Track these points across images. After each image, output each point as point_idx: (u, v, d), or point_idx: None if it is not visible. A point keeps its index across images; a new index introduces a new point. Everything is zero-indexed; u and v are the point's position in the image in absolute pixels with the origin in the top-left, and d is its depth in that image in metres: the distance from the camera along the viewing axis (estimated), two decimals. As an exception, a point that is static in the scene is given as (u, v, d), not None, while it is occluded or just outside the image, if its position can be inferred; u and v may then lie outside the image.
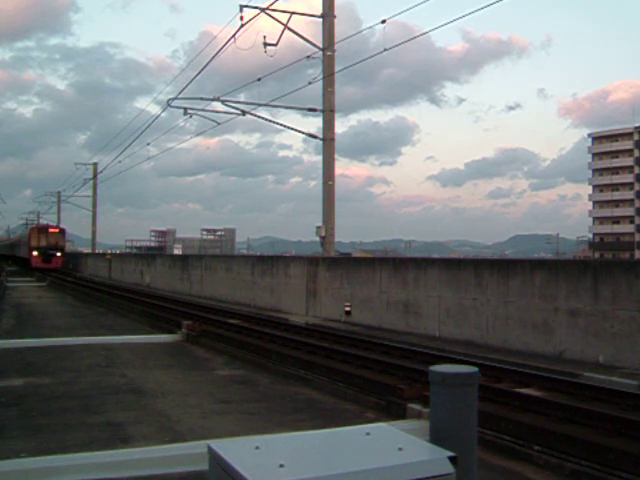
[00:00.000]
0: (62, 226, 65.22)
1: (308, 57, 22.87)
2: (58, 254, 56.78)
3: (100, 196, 71.17)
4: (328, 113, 23.15)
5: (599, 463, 6.04)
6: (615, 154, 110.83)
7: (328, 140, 23.30)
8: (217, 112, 26.05)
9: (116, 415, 8.01)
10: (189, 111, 25.33)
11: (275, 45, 22.70)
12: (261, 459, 2.70)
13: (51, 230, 59.15)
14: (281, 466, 2.56)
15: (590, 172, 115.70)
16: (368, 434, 3.04)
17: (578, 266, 13.09)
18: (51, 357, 12.46)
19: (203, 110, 25.98)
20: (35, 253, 55.50)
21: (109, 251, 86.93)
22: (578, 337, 12.26)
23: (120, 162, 45.93)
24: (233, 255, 59.13)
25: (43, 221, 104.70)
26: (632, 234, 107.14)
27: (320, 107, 23.36)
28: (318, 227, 23.22)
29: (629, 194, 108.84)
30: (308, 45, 23.22)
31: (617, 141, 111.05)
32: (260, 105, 24.50)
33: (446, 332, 15.29)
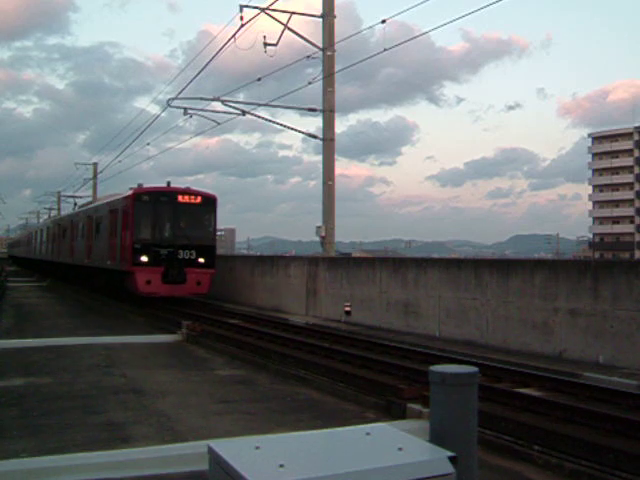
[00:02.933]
0: (209, 192, 24.12)
1: (308, 57, 22.86)
2: (201, 260, 22.34)
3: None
4: (328, 113, 23.14)
5: (599, 463, 6.04)
6: (615, 154, 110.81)
7: (328, 140, 23.29)
8: (217, 112, 25.99)
9: (116, 415, 8.01)
10: (189, 111, 25.31)
11: (275, 45, 22.69)
12: (261, 459, 2.70)
13: (184, 199, 22.62)
14: (281, 466, 2.56)
15: (590, 172, 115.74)
16: (368, 434, 3.05)
17: (578, 266, 13.09)
18: (51, 357, 12.46)
19: (203, 110, 25.95)
20: (144, 259, 21.51)
21: None
22: (578, 337, 12.25)
23: (120, 162, 45.57)
24: (233, 255, 54.30)
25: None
26: (632, 234, 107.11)
27: (320, 107, 23.35)
28: (318, 227, 23.21)
29: (629, 194, 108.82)
30: (308, 45, 23.21)
31: (617, 141, 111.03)
32: (260, 105, 24.49)
33: (446, 332, 15.29)
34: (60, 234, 38.07)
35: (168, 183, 22.97)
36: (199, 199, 22.64)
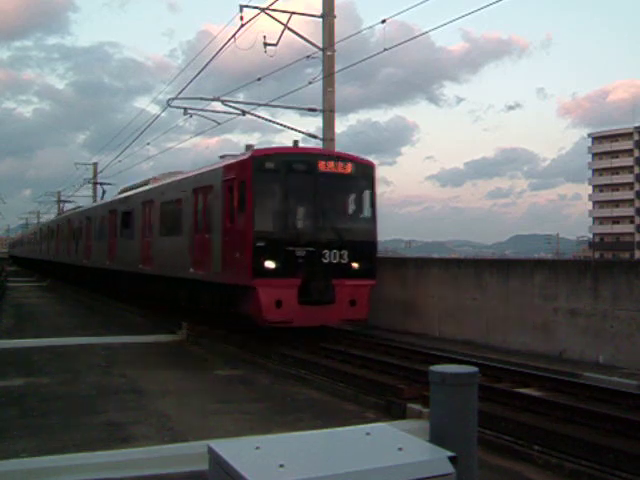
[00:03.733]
0: (363, 157, 15.29)
1: (308, 57, 22.84)
2: (355, 266, 13.80)
3: (100, 196, 70.87)
4: (328, 113, 23.12)
5: (599, 463, 6.04)
6: (615, 154, 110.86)
7: (328, 140, 23.26)
8: (217, 112, 25.96)
9: (116, 415, 8.01)
10: (189, 111, 25.29)
11: (275, 45, 22.68)
12: (261, 459, 2.70)
13: (328, 168, 13.98)
14: (281, 466, 2.56)
15: (590, 172, 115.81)
16: (368, 434, 3.05)
17: (578, 266, 13.09)
18: (51, 357, 12.46)
19: (203, 110, 25.93)
20: (270, 265, 12.94)
21: None
22: (578, 337, 12.25)
23: (120, 162, 45.25)
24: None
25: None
26: (632, 234, 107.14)
27: (320, 107, 23.35)
28: (318, 227, 23.10)
29: (629, 194, 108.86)
30: (308, 45, 23.20)
31: (617, 141, 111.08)
32: (260, 105, 24.47)
33: (446, 332, 15.28)
34: (87, 230, 29.82)
35: (295, 143, 14.69)
36: (350, 167, 14.29)
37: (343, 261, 13.62)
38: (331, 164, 13.99)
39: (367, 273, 13.91)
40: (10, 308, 22.91)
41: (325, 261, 13.44)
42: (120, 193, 27.08)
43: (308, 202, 13.84)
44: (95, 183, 46.47)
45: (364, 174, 14.59)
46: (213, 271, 14.58)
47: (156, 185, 20.44)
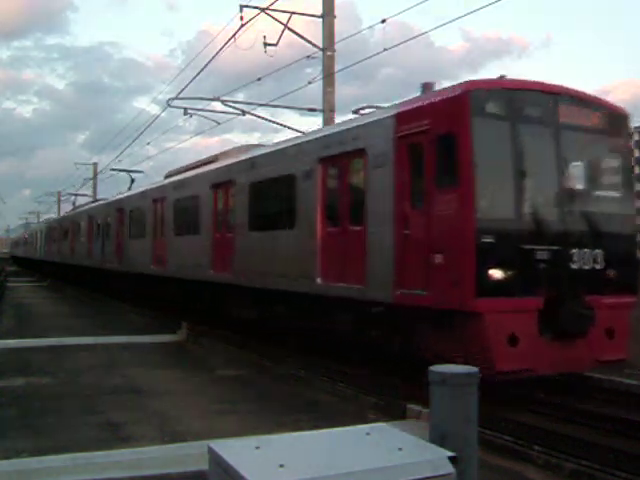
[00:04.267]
0: (615, 104, 9.58)
1: (308, 57, 22.84)
2: (611, 274, 8.66)
3: (100, 196, 70.65)
4: (328, 113, 23.13)
5: (599, 463, 6.04)
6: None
7: (328, 140, 23.24)
8: (217, 112, 25.93)
9: (116, 415, 8.00)
10: (189, 111, 25.29)
11: (275, 45, 22.68)
12: (261, 459, 2.71)
13: (571, 115, 8.84)
14: (281, 466, 2.56)
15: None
16: (368, 434, 3.05)
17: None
18: (51, 357, 12.46)
19: (203, 110, 25.93)
20: (498, 275, 7.83)
21: None
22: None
23: (120, 162, 44.88)
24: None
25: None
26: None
27: (320, 107, 23.35)
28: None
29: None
30: (308, 45, 23.20)
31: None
32: (260, 105, 24.47)
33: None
34: (119, 225, 24.36)
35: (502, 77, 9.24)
36: (598, 117, 9.41)
37: (597, 267, 8.74)
38: (575, 110, 9.12)
39: (627, 285, 9.04)
40: (10, 308, 22.90)
41: (574, 267, 8.55)
42: (167, 177, 21.18)
43: (548, 172, 8.89)
44: (122, 171, 37.35)
45: (617, 128, 9.64)
46: (373, 284, 9.57)
47: (237, 160, 14.94)
